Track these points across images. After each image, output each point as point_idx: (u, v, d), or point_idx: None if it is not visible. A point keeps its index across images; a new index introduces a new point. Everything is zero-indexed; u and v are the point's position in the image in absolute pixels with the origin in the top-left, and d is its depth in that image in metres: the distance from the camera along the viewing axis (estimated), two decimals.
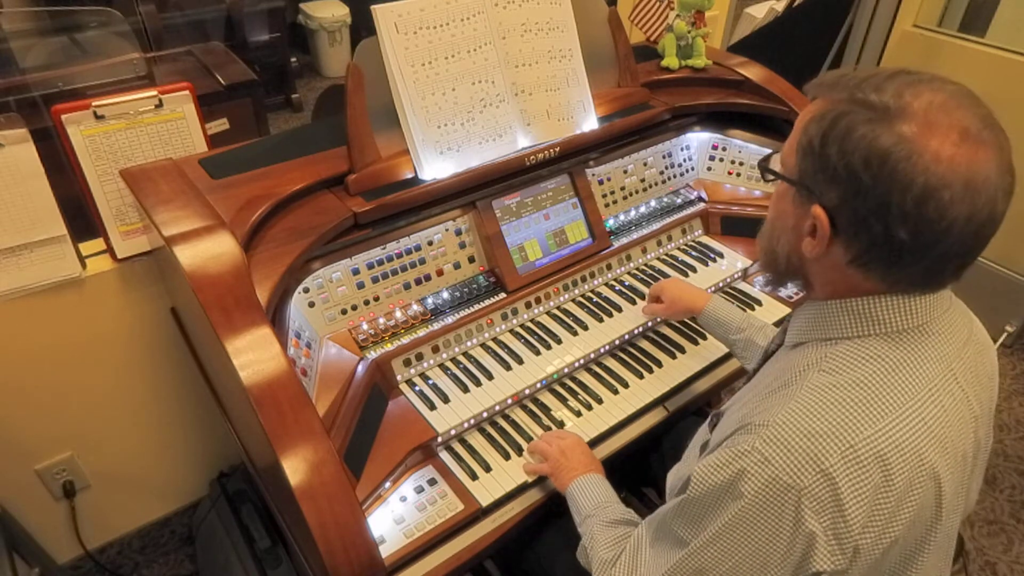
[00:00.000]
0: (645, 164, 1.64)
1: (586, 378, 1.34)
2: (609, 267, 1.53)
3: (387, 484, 1.12)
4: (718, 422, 0.88)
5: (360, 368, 1.21)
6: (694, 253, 1.62)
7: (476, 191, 1.36)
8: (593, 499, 1.05)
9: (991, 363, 0.84)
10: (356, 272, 1.28)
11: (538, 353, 1.33)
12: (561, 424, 1.25)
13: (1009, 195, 0.68)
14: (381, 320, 1.28)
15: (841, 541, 0.69)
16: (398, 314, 1.30)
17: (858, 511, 0.69)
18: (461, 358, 1.32)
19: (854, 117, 0.68)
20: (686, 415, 1.36)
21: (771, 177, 0.80)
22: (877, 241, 0.69)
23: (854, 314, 0.76)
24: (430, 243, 1.35)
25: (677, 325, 1.46)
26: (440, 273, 1.36)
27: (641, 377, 1.34)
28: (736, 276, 1.58)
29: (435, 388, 1.25)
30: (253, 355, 0.94)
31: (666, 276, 1.54)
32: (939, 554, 0.80)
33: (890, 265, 0.71)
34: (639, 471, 1.42)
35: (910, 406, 0.72)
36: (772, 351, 0.94)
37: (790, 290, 1.56)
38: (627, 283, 1.51)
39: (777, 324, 1.46)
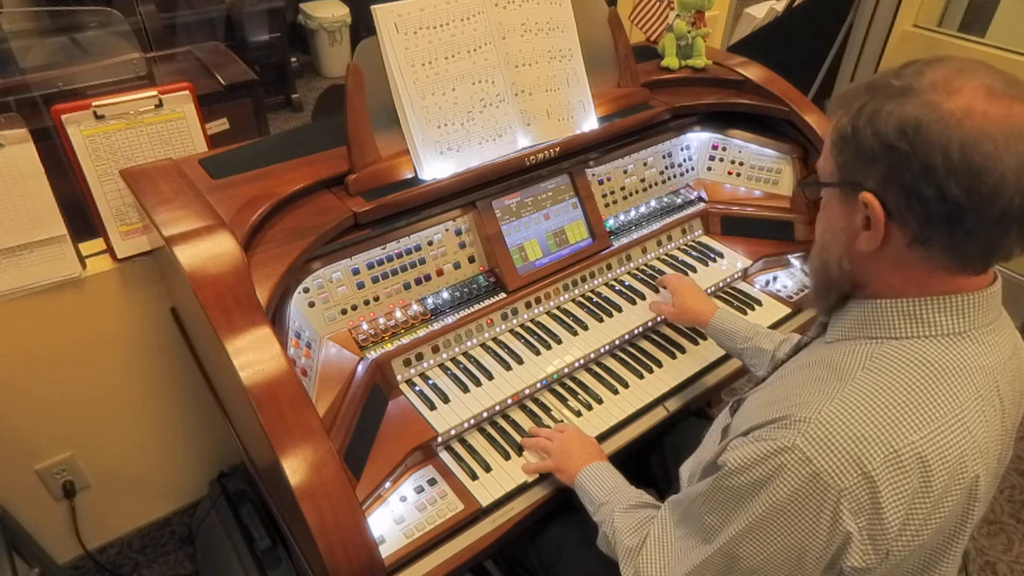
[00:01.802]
0: (645, 164, 1.64)
1: (586, 378, 1.34)
2: (609, 267, 1.53)
3: (387, 484, 1.12)
4: (739, 407, 0.87)
5: (360, 368, 1.21)
6: (694, 253, 1.62)
7: (476, 191, 1.36)
8: (604, 486, 1.05)
9: None
10: (356, 272, 1.28)
11: (538, 353, 1.33)
12: None
13: None
14: (381, 320, 1.28)
15: (876, 542, 0.70)
16: (398, 314, 1.30)
17: (895, 515, 0.69)
18: (461, 358, 1.32)
19: (878, 100, 0.70)
20: (686, 415, 1.36)
21: (816, 191, 0.80)
22: (932, 207, 0.68)
23: (905, 314, 0.75)
24: (430, 243, 1.35)
25: (677, 325, 1.46)
26: (440, 273, 1.36)
27: (641, 377, 1.34)
28: (736, 276, 1.58)
29: (435, 388, 1.25)
30: (253, 355, 0.94)
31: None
32: (958, 559, 0.80)
33: (952, 232, 0.69)
34: (639, 471, 1.42)
35: (956, 414, 0.71)
36: (805, 344, 0.92)
37: (791, 289, 1.56)
38: (627, 283, 1.51)
39: (776, 325, 1.46)
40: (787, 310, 1.50)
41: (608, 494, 1.04)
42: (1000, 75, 0.68)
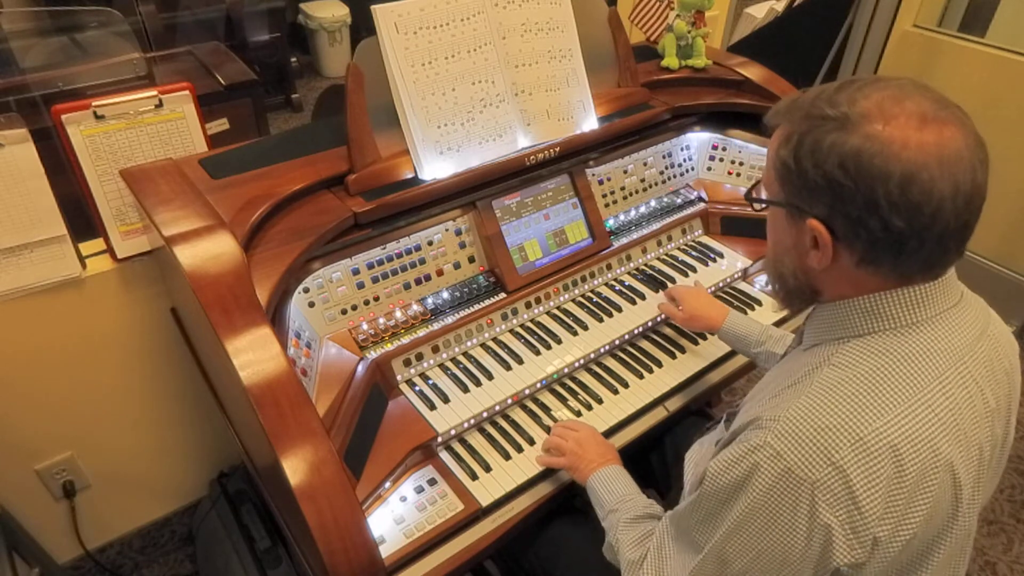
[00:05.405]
0: (645, 164, 1.64)
1: (586, 378, 1.34)
2: (609, 267, 1.53)
3: (387, 484, 1.12)
4: (733, 420, 0.89)
5: (360, 368, 1.21)
6: (694, 253, 1.62)
7: (476, 191, 1.36)
8: (615, 493, 1.06)
9: (1009, 359, 0.84)
10: (356, 272, 1.28)
11: (538, 353, 1.33)
12: None
13: (985, 165, 0.70)
14: (381, 320, 1.28)
15: (858, 533, 0.70)
16: (398, 314, 1.30)
17: (872, 502, 0.70)
18: (461, 358, 1.32)
19: (817, 132, 0.72)
20: (686, 415, 1.36)
21: (760, 206, 0.83)
22: (877, 236, 0.71)
23: (863, 312, 0.77)
24: (430, 243, 1.35)
25: (678, 325, 1.46)
26: (440, 273, 1.36)
27: (641, 377, 1.34)
28: (736, 276, 1.58)
29: (435, 388, 1.25)
30: (253, 355, 0.94)
31: (667, 276, 1.54)
32: (956, 550, 0.80)
33: (897, 255, 0.72)
34: (639, 471, 1.42)
35: (919, 397, 0.73)
36: (786, 354, 0.95)
37: None
38: (627, 283, 1.51)
39: (778, 324, 1.46)
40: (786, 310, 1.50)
41: (618, 501, 1.04)
42: (930, 97, 0.70)
